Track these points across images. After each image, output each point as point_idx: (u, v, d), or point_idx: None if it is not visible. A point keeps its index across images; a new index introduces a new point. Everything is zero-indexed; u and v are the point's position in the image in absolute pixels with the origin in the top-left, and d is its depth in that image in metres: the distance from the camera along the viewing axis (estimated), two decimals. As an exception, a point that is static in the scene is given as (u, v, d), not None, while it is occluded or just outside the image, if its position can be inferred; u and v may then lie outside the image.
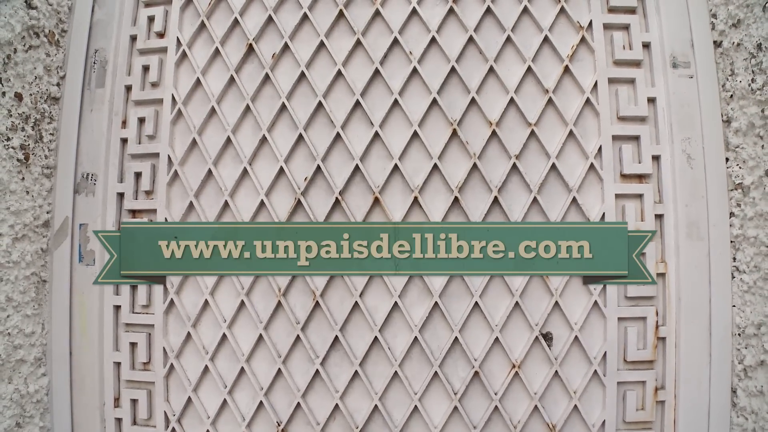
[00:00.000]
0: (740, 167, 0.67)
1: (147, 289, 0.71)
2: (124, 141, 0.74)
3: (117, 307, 0.72)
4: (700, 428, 0.67)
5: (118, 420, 0.72)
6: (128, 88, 0.76)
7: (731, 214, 0.68)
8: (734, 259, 0.67)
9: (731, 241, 0.67)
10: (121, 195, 0.73)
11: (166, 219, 0.71)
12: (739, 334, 0.67)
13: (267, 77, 0.72)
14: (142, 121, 0.74)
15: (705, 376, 0.67)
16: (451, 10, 0.71)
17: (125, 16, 0.77)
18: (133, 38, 0.77)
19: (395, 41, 0.71)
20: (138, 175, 0.73)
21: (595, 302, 0.67)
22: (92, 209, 0.73)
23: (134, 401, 0.71)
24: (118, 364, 0.72)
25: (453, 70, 0.70)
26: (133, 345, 0.72)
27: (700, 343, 0.67)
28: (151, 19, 0.76)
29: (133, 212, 0.73)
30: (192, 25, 0.76)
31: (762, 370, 0.65)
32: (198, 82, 0.74)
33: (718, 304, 0.67)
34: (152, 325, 0.71)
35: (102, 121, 0.74)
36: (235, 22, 0.74)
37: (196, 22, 0.75)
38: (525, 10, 0.71)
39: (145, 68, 0.75)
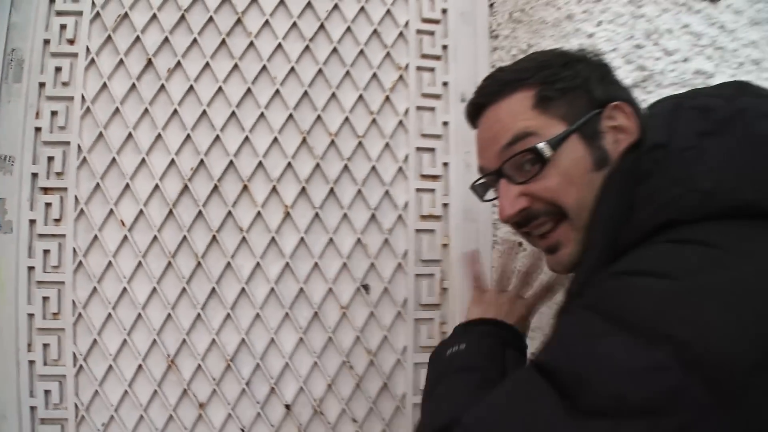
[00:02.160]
0: None
1: (58, 252, 1.01)
2: (38, 129, 0.96)
3: (31, 268, 0.92)
4: (469, 351, 1.11)
5: (31, 362, 0.91)
6: (42, 85, 0.95)
7: (493, 205, 1.12)
8: (495, 234, 1.13)
9: (493, 223, 1.12)
10: (35, 175, 0.96)
11: (75, 197, 1.01)
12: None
13: (162, 87, 1.02)
14: (54, 113, 0.94)
15: (473, 314, 1.11)
16: (307, 47, 1.08)
17: (39, 21, 0.94)
18: (47, 41, 0.95)
19: (264, 67, 1.07)
20: (51, 158, 0.94)
21: (399, 264, 1.09)
22: (10, 186, 0.96)
23: (46, 345, 0.92)
24: (31, 315, 0.92)
25: (305, 93, 1.07)
26: (46, 299, 0.93)
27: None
28: (63, 26, 0.95)
29: (45, 189, 1.00)
30: (99, 36, 0.96)
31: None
32: (104, 85, 0.95)
33: (482, 264, 1.11)
34: (63, 282, 0.93)
35: (18, 112, 0.95)
36: (137, 38, 1.00)
37: (103, 34, 0.96)
38: (361, 51, 1.10)
39: (58, 69, 0.95)
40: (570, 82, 0.64)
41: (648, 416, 0.39)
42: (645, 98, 0.92)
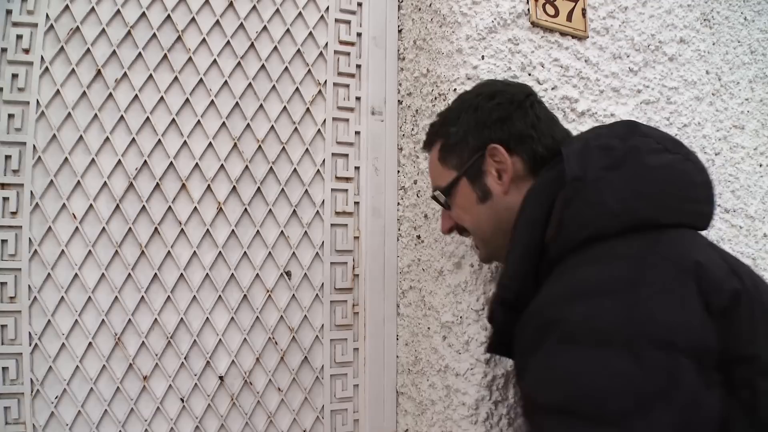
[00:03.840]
0: (403, 177, 1.45)
1: (15, 242, 1.11)
2: (-4, 130, 1.18)
3: (-13, 257, 1.04)
4: (379, 327, 1.42)
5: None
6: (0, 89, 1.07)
7: (398, 204, 1.45)
8: (399, 229, 1.45)
9: (397, 219, 1.45)
10: (-6, 171, 1.06)
11: (31, 192, 1.22)
12: (399, 272, 1.45)
13: (110, 95, 1.13)
14: (11, 116, 1.07)
15: (381, 296, 1.43)
16: (239, 63, 1.37)
17: (-5, 30, 1.05)
18: (4, 50, 1.08)
19: (201, 80, 1.35)
20: (8, 157, 1.07)
21: (317, 253, 1.39)
22: (-29, 180, 1.17)
23: (3, 326, 1.05)
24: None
25: (237, 104, 1.35)
26: (3, 284, 1.06)
27: (378, 277, 1.42)
28: (19, 37, 1.08)
29: (3, 185, 1.07)
30: (53, 47, 1.10)
31: (412, 292, 1.42)
32: (57, 92, 1.09)
33: (389, 254, 1.43)
34: (19, 269, 1.05)
35: (-22, 114, 1.06)
36: (88, 50, 1.13)
37: (56, 45, 1.10)
38: (286, 68, 1.41)
39: (14, 75, 1.08)
40: (455, 137, 0.93)
41: (659, 399, 0.54)
42: (518, 116, 1.24)
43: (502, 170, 0.85)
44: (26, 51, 1.12)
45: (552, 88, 1.29)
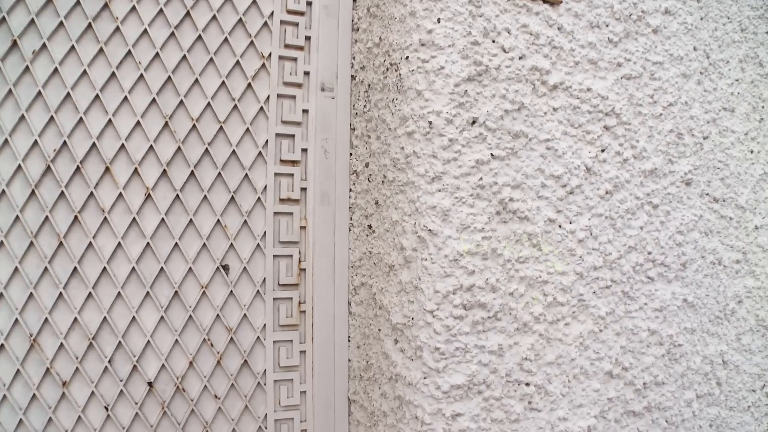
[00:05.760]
0: (355, 160, 1.46)
1: None
2: None
3: None
4: (328, 328, 1.43)
5: None
6: None
7: (350, 190, 1.46)
8: (351, 218, 1.46)
9: (349, 207, 1.46)
10: None
11: None
12: (351, 266, 1.46)
13: (27, 68, 1.20)
14: None
15: (331, 293, 1.44)
16: (172, 34, 1.37)
17: None
18: None
19: (129, 52, 1.35)
20: None
21: (258, 245, 1.40)
22: None
23: None
24: None
25: (169, 78, 1.36)
26: None
27: (328, 272, 1.43)
28: None
29: None
30: None
31: (363, 289, 1.43)
32: None
33: (339, 246, 1.44)
34: None
35: None
36: (3, 19, 1.19)
37: None
38: (225, 40, 1.41)
39: None
40: None
41: None
42: (480, 91, 1.25)
43: None
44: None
45: (519, 57, 1.30)
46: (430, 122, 1.17)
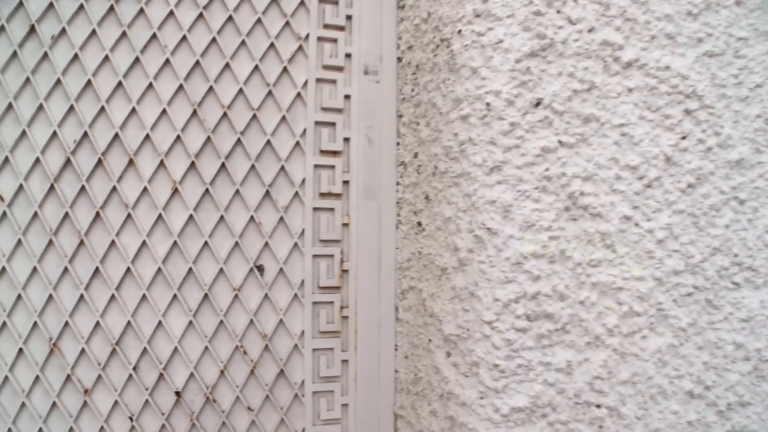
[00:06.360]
0: (403, 150, 1.32)
1: None
2: None
3: None
4: (373, 335, 1.30)
5: None
6: None
7: (397, 183, 1.32)
8: (398, 214, 1.32)
9: (396, 202, 1.32)
10: None
11: None
12: (398, 268, 1.32)
13: (46, 55, 1.14)
14: None
15: (376, 297, 1.31)
16: (200, 15, 1.26)
17: None
18: None
19: (154, 35, 1.23)
20: None
21: (296, 243, 1.28)
22: None
23: None
24: None
25: (197, 62, 1.24)
26: None
27: (372, 274, 1.30)
28: None
29: None
30: None
31: (412, 293, 1.29)
32: None
33: (385, 246, 1.31)
34: None
35: None
36: (20, 3, 1.13)
37: None
38: (258, 20, 1.29)
39: None
40: None
41: None
42: (545, 68, 1.10)
43: None
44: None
45: (588, 30, 1.14)
46: (488, 104, 1.02)
